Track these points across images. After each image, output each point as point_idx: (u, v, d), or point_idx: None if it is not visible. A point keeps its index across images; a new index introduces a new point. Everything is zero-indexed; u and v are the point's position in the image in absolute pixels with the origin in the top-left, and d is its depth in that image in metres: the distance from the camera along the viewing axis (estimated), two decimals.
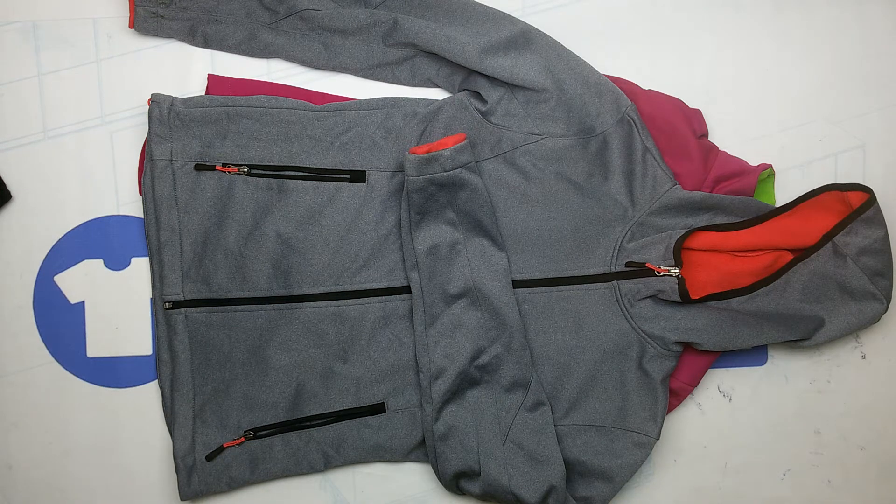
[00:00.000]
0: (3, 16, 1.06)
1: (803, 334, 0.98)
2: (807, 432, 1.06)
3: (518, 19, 1.02)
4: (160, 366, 1.03)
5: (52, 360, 1.06)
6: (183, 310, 1.02)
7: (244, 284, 1.02)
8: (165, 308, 1.02)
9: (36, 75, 1.07)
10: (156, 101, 1.02)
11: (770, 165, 1.03)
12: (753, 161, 1.03)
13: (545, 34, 1.02)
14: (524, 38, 1.01)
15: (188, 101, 1.02)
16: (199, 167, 1.02)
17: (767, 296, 0.99)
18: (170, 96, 1.02)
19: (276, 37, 1.05)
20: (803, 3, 1.07)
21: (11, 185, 1.06)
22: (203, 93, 1.05)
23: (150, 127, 1.02)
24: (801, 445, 1.06)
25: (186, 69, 1.06)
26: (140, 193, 1.04)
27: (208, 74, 1.05)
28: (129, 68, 1.07)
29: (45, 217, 1.06)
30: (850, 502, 1.06)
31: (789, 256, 1.00)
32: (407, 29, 1.02)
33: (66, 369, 1.06)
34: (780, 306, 0.99)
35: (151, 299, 1.05)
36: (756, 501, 1.06)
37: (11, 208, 1.06)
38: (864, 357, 1.06)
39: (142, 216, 1.05)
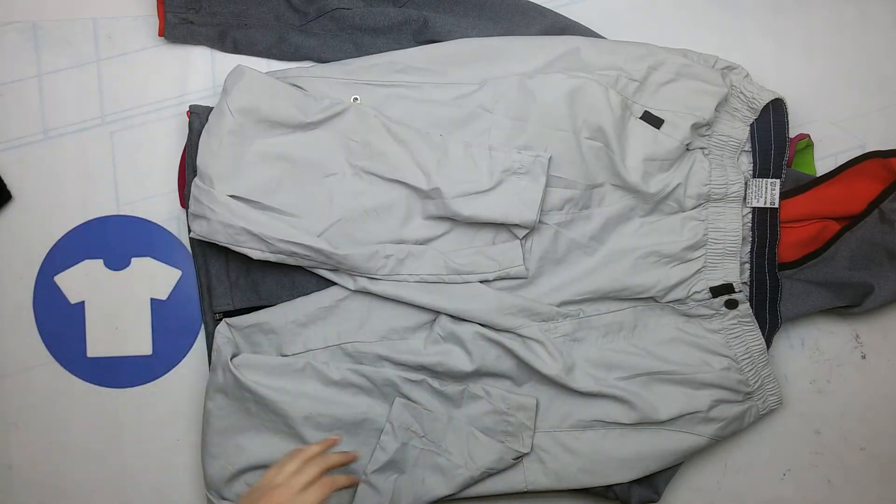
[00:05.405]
0: (3, 16, 1.06)
1: (852, 300, 0.99)
2: (807, 432, 1.06)
3: (547, 10, 1.02)
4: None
5: (52, 360, 1.06)
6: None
7: (293, 290, 0.99)
8: (216, 319, 1.00)
9: (36, 75, 1.06)
10: (195, 113, 1.00)
11: (808, 135, 1.02)
12: None
13: (576, 23, 1.02)
14: (555, 29, 1.01)
15: None
16: None
17: (816, 266, 0.99)
18: (207, 107, 1.00)
19: (305, 38, 1.03)
20: (803, 3, 1.07)
21: (11, 185, 1.06)
22: (204, 92, 1.06)
23: (190, 138, 1.00)
24: (801, 445, 1.06)
25: (187, 69, 1.06)
26: (182, 206, 1.03)
27: None
28: (129, 68, 1.06)
29: (45, 217, 1.06)
30: (850, 502, 1.06)
31: (834, 225, 1.00)
32: (438, 26, 1.01)
33: (66, 369, 1.06)
34: (828, 275, 0.99)
35: (200, 311, 1.03)
36: (756, 501, 1.06)
37: (11, 208, 1.06)
38: (864, 357, 1.06)
39: (141, 216, 1.06)
